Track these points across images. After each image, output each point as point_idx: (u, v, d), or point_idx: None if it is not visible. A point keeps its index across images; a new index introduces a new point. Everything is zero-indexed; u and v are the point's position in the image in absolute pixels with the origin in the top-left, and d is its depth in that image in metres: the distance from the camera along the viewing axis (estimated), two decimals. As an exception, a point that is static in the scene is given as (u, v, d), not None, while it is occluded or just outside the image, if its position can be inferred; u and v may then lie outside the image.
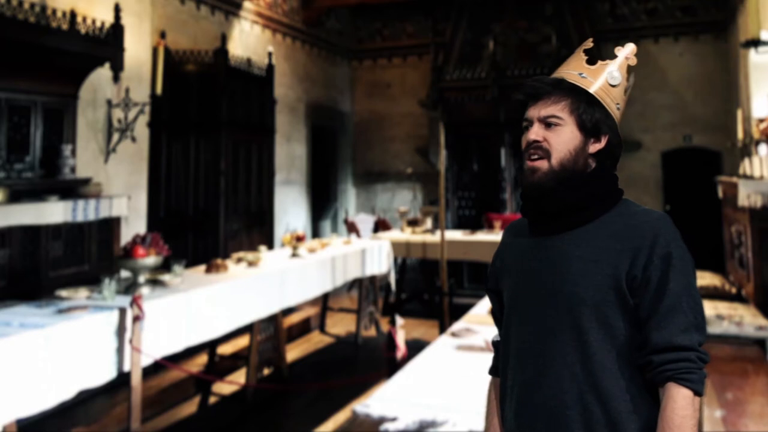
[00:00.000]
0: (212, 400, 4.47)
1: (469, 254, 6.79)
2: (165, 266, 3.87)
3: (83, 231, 4.76)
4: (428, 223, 7.33)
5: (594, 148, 1.33)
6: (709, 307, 4.21)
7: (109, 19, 4.94)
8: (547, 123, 1.30)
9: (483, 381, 2.13)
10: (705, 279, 5.24)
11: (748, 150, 5.84)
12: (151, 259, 3.50)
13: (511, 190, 8.05)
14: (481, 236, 6.84)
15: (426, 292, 7.36)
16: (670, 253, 1.23)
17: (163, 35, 6.07)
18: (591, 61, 1.36)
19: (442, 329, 4.54)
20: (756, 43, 5.67)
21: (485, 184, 8.12)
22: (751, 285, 4.49)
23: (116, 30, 4.89)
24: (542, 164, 1.30)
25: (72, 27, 4.54)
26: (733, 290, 4.99)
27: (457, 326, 2.81)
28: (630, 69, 1.41)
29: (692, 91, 9.05)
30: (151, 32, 6.01)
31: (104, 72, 5.10)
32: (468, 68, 8.60)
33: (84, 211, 4.64)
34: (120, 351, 3.13)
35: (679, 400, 1.17)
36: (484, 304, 3.19)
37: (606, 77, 1.35)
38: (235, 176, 6.37)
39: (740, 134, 6.07)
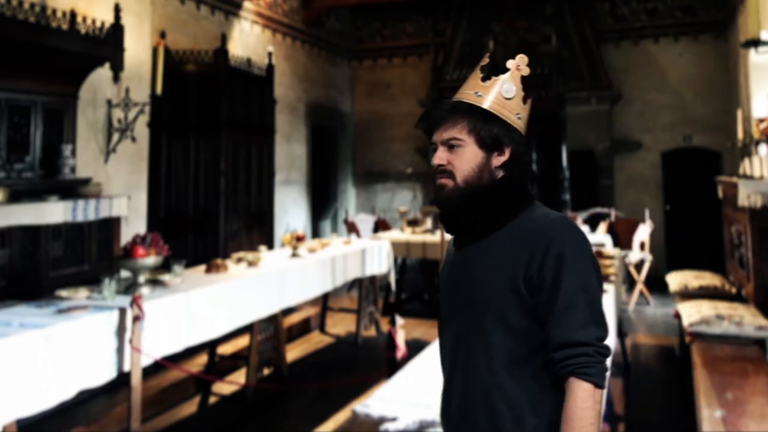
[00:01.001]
0: (212, 400, 4.47)
1: (469, 254, 6.78)
2: (165, 266, 3.87)
3: (83, 231, 4.76)
4: (428, 223, 7.33)
5: (498, 161, 1.40)
6: (709, 307, 4.21)
7: (109, 19, 4.94)
8: (450, 145, 1.37)
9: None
10: (705, 279, 5.24)
11: (748, 150, 5.84)
12: (151, 259, 3.50)
13: (511, 190, 8.05)
14: (481, 236, 6.83)
15: (426, 292, 7.36)
16: (563, 253, 1.28)
17: (163, 35, 6.07)
18: (486, 78, 1.42)
19: (442, 329, 4.53)
20: (756, 43, 5.67)
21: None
22: (751, 285, 4.49)
23: (116, 30, 4.89)
24: (448, 182, 1.38)
25: (72, 27, 4.54)
26: (733, 290, 4.98)
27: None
28: (525, 79, 1.44)
29: (692, 91, 9.05)
30: (151, 32, 6.01)
31: (104, 72, 5.10)
32: (468, 68, 8.59)
33: (84, 211, 4.64)
34: (120, 351, 3.13)
35: (579, 393, 1.23)
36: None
37: (499, 91, 1.41)
38: (235, 176, 6.37)
39: (740, 134, 6.07)
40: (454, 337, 1.36)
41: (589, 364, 1.24)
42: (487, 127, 1.37)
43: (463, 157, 1.37)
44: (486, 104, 1.39)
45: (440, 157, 1.38)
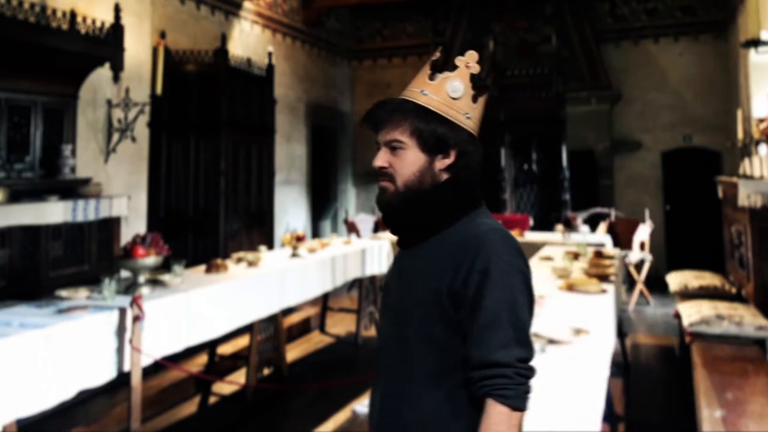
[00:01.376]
0: (212, 400, 4.47)
1: (469, 254, 6.78)
2: (165, 266, 3.87)
3: (83, 231, 4.76)
4: (428, 223, 7.32)
5: (443, 163, 1.33)
6: (709, 307, 4.21)
7: (109, 19, 4.94)
8: (392, 147, 1.31)
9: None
10: (705, 279, 5.24)
11: (748, 150, 5.84)
12: (151, 259, 3.50)
13: (511, 190, 8.05)
14: (481, 236, 6.83)
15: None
16: (488, 268, 1.21)
17: (163, 35, 6.07)
18: (433, 77, 1.34)
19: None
20: (756, 43, 5.67)
21: (485, 184, 8.10)
22: (751, 285, 4.49)
23: (116, 30, 4.89)
24: (389, 186, 1.32)
25: (72, 27, 4.54)
26: (733, 290, 4.98)
27: (457, 326, 2.81)
28: (474, 77, 1.37)
29: (692, 91, 9.05)
30: (151, 32, 6.01)
31: (104, 72, 5.10)
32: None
33: (84, 211, 4.64)
34: (120, 351, 3.13)
35: (493, 416, 1.18)
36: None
37: (446, 90, 1.33)
38: (235, 176, 6.37)
39: (740, 134, 6.07)
40: (381, 346, 1.32)
41: (506, 386, 1.18)
42: (431, 129, 1.29)
43: (405, 161, 1.30)
44: (433, 104, 1.31)
45: (381, 158, 1.32)
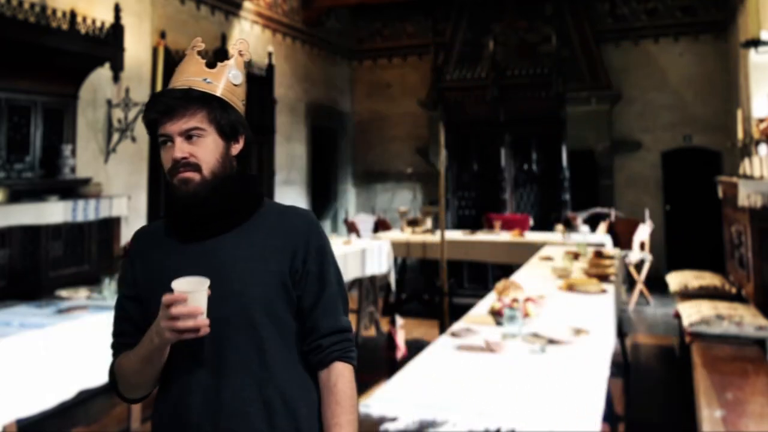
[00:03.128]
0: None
1: (470, 254, 6.79)
2: (165, 266, 3.86)
3: (83, 231, 4.76)
4: (428, 223, 7.33)
5: (235, 149, 1.37)
6: (709, 307, 4.20)
7: (109, 19, 4.94)
8: (189, 136, 1.28)
9: (483, 381, 2.13)
10: (705, 279, 5.23)
11: (748, 150, 5.84)
12: (151, 259, 3.50)
13: (511, 190, 8.05)
14: (482, 236, 6.84)
15: (426, 292, 7.36)
16: (323, 246, 1.36)
17: (163, 35, 6.07)
18: (211, 65, 1.36)
19: (442, 329, 4.54)
20: (756, 43, 5.67)
21: (485, 184, 8.12)
22: (751, 285, 4.49)
23: (116, 30, 4.89)
24: (194, 176, 1.29)
25: (72, 27, 4.54)
26: (733, 290, 4.98)
27: (457, 326, 2.81)
28: (246, 64, 1.43)
29: (692, 91, 9.05)
30: (151, 32, 6.01)
31: (104, 72, 5.10)
32: (468, 68, 8.60)
33: (84, 211, 4.63)
34: (120, 351, 3.12)
35: (347, 375, 1.33)
36: (484, 304, 3.19)
37: (229, 78, 1.36)
38: (235, 176, 6.36)
39: (740, 134, 6.07)
40: (211, 337, 1.21)
41: (350, 349, 1.34)
42: (225, 116, 1.32)
43: (207, 148, 1.30)
44: (219, 91, 1.33)
45: (181, 149, 1.27)
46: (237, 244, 1.30)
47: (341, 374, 1.32)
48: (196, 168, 1.29)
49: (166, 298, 1.17)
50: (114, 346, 1.37)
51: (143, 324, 1.29)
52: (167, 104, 1.28)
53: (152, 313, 1.23)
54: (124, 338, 1.35)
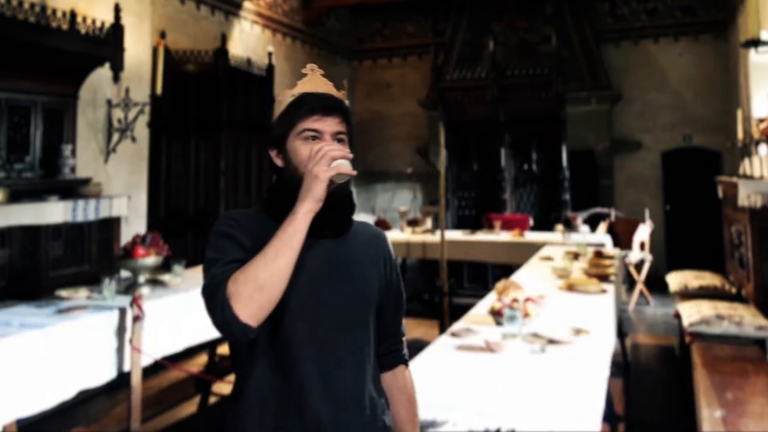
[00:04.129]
0: (212, 400, 4.47)
1: (469, 254, 6.78)
2: (165, 266, 3.87)
3: (83, 231, 4.76)
4: (428, 223, 7.33)
5: None
6: (709, 307, 4.21)
7: (109, 19, 4.94)
8: (338, 138, 1.33)
9: (483, 381, 2.13)
10: (705, 279, 5.23)
11: (748, 150, 5.84)
12: (151, 259, 3.50)
13: (511, 190, 8.05)
14: (482, 236, 6.84)
15: (426, 292, 7.36)
16: (396, 260, 1.49)
17: (163, 35, 6.07)
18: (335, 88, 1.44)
19: (442, 329, 4.54)
20: (756, 43, 5.67)
21: (485, 184, 8.12)
22: (751, 285, 4.49)
23: (116, 30, 4.89)
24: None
25: (72, 27, 4.54)
26: (733, 290, 4.98)
27: (457, 326, 2.81)
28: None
29: (692, 91, 9.05)
30: (151, 32, 6.01)
31: (104, 72, 5.10)
32: (468, 68, 8.60)
33: (84, 211, 4.64)
34: (120, 351, 3.13)
35: (410, 379, 1.50)
36: (484, 304, 3.19)
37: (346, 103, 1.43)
38: (235, 176, 6.37)
39: (740, 134, 6.07)
40: (333, 328, 1.29)
41: (407, 354, 1.51)
42: (351, 130, 1.38)
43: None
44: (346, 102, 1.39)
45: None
46: (351, 248, 1.37)
47: (407, 377, 1.49)
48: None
49: (319, 144, 1.26)
50: (220, 274, 1.24)
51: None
52: (327, 104, 1.33)
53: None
54: (234, 269, 1.22)
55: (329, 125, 1.33)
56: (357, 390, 1.31)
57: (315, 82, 1.40)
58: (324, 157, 1.21)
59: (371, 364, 1.36)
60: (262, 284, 1.16)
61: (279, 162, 1.36)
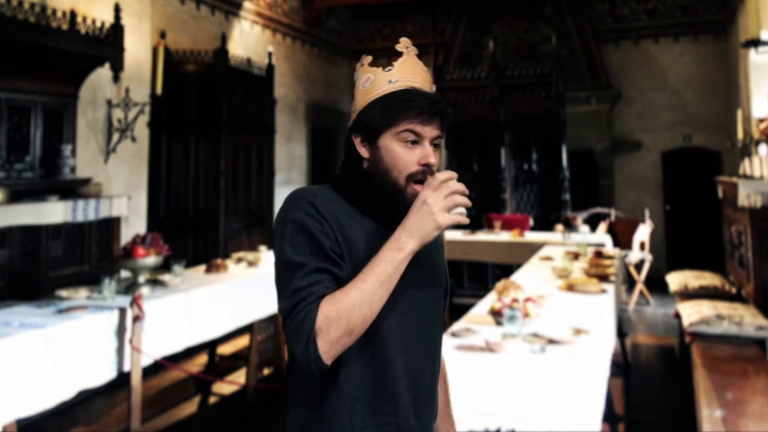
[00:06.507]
0: (212, 400, 4.47)
1: (469, 254, 6.79)
2: (165, 266, 3.87)
3: (83, 231, 4.76)
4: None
5: None
6: (709, 307, 4.21)
7: (109, 19, 4.94)
8: (435, 144, 1.25)
9: (483, 381, 2.13)
10: (705, 279, 5.24)
11: (748, 150, 5.84)
12: (151, 259, 3.50)
13: (511, 190, 8.05)
14: (481, 236, 6.84)
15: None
16: None
17: (163, 35, 6.07)
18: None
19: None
20: (756, 43, 5.67)
21: (485, 184, 8.12)
22: (751, 285, 4.50)
23: (116, 30, 4.89)
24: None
25: (72, 27, 4.54)
26: (733, 290, 4.98)
27: (457, 326, 2.81)
28: None
29: (692, 91, 9.05)
30: (151, 32, 6.01)
31: (104, 72, 5.10)
32: (468, 68, 8.60)
33: (84, 211, 4.64)
34: (120, 351, 3.13)
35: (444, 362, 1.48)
36: (484, 304, 3.19)
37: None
38: (235, 176, 6.37)
39: (740, 134, 6.07)
40: (417, 323, 1.26)
41: None
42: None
43: (437, 158, 1.27)
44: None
45: (434, 156, 1.24)
46: (430, 248, 1.27)
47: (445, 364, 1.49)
48: (432, 174, 1.25)
49: (438, 176, 1.14)
50: (308, 295, 1.12)
51: (342, 279, 1.16)
52: (435, 108, 1.22)
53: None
54: (322, 286, 1.13)
55: (431, 130, 1.23)
56: (433, 386, 1.31)
57: (413, 66, 1.30)
58: (449, 198, 1.11)
59: (440, 352, 1.35)
60: (353, 328, 1.10)
61: (365, 153, 1.26)
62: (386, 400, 1.21)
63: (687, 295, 4.99)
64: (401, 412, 1.22)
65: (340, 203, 1.23)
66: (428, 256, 1.29)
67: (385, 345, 1.21)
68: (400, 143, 1.22)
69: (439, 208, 1.11)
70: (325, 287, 1.13)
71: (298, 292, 1.11)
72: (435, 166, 1.25)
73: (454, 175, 1.14)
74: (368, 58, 1.31)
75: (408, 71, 1.29)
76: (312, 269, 1.13)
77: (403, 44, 1.32)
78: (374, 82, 1.26)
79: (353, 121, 1.29)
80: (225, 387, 4.62)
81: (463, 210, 1.13)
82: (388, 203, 1.23)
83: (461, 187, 1.13)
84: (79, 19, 4.63)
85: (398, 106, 1.21)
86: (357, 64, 1.33)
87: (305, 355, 1.09)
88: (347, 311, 1.09)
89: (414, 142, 1.22)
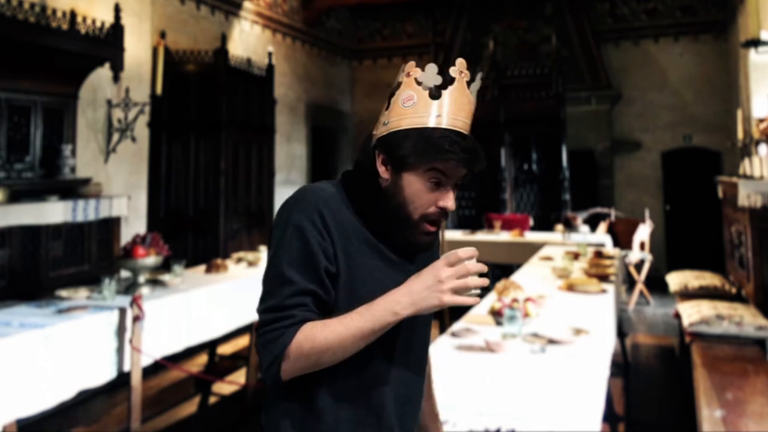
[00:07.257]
0: (212, 400, 4.47)
1: (469, 254, 6.78)
2: (165, 266, 3.87)
3: (83, 231, 4.76)
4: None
5: None
6: (709, 307, 4.21)
7: (109, 19, 4.94)
8: (456, 184, 1.23)
9: (483, 381, 2.13)
10: (705, 279, 5.24)
11: (748, 150, 5.84)
12: (151, 259, 3.50)
13: (511, 190, 8.05)
14: (481, 236, 6.84)
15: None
16: None
17: (163, 35, 6.07)
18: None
19: (442, 329, 4.54)
20: (756, 43, 5.67)
21: (485, 184, 8.12)
22: (751, 285, 4.50)
23: (116, 30, 4.90)
24: (437, 228, 1.25)
25: (72, 27, 4.54)
26: (733, 290, 4.98)
27: (457, 326, 2.81)
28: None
29: (692, 91, 9.05)
30: (151, 32, 6.01)
31: (104, 72, 5.10)
32: (468, 68, 8.59)
33: (84, 211, 4.64)
34: (120, 351, 3.13)
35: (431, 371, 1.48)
36: (484, 304, 3.19)
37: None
38: (235, 176, 6.37)
39: (740, 134, 6.07)
40: (405, 345, 1.25)
41: None
42: None
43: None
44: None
45: (453, 200, 1.22)
46: (424, 260, 1.26)
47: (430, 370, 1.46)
48: (446, 217, 1.25)
49: (458, 253, 1.09)
50: (289, 317, 1.11)
51: (329, 303, 1.15)
52: (472, 161, 1.19)
53: (339, 305, 1.15)
54: (305, 309, 1.12)
55: (458, 174, 1.20)
56: (419, 396, 1.30)
57: (460, 98, 1.22)
58: (463, 280, 1.08)
59: (427, 361, 1.35)
60: (320, 365, 1.11)
61: (384, 173, 1.20)
62: (370, 411, 1.20)
63: (687, 295, 4.99)
64: (385, 423, 1.21)
65: (349, 212, 1.20)
66: (422, 266, 1.24)
67: (372, 355, 1.19)
68: (424, 181, 1.18)
69: (449, 287, 1.08)
70: (308, 311, 1.12)
71: (280, 310, 1.11)
72: (450, 209, 1.22)
73: (475, 253, 1.10)
74: (416, 71, 1.19)
75: (454, 106, 1.21)
76: (299, 290, 1.11)
77: (458, 67, 1.23)
78: (417, 106, 1.17)
79: (382, 136, 1.20)
80: (225, 387, 4.62)
81: (477, 291, 1.09)
82: (398, 233, 1.21)
83: (480, 267, 1.09)
84: (79, 19, 4.63)
85: (436, 153, 1.16)
86: (402, 67, 1.22)
87: (267, 372, 1.11)
88: (320, 351, 1.08)
89: (438, 183, 1.19)
